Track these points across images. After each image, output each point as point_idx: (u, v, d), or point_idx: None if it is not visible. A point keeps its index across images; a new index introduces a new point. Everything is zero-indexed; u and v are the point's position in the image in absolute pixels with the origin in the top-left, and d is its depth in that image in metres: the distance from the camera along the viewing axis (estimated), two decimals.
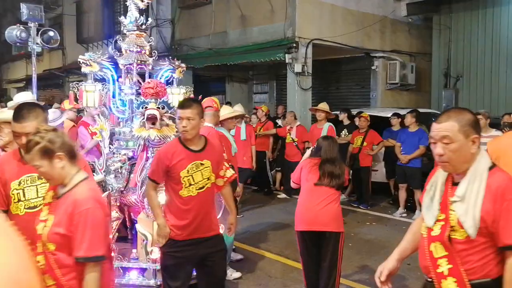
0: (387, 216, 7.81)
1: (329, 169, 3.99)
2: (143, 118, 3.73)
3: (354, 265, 5.45)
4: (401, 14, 12.60)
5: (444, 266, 2.14)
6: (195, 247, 3.20)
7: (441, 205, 2.20)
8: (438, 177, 2.28)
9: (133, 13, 4.31)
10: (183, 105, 3.20)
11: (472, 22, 12.36)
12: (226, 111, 5.48)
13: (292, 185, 4.33)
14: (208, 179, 3.23)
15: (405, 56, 13.08)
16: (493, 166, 2.13)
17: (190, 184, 3.14)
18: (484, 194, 2.05)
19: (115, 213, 3.88)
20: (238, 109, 7.56)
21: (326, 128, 8.02)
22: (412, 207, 7.74)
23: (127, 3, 4.37)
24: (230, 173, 3.53)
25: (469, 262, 2.10)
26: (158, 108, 3.73)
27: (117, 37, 4.42)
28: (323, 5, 10.99)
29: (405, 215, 7.71)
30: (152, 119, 3.70)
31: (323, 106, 8.39)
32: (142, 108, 3.74)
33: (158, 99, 3.78)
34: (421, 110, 8.82)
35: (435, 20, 13.05)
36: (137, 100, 3.87)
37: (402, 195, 7.82)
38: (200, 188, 3.18)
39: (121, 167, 3.98)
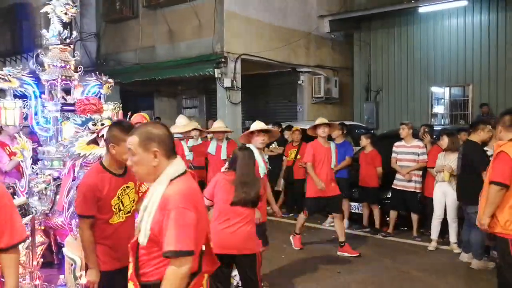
0: (317, 226, 8.00)
1: (245, 189, 3.77)
2: (100, 135, 3.56)
3: (288, 276, 5.52)
4: (324, 30, 13.15)
5: (130, 271, 2.34)
6: (123, 277, 3.08)
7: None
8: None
9: (56, 26, 4.12)
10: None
11: (389, 39, 13.17)
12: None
13: (205, 202, 3.99)
14: (134, 201, 3.16)
15: (329, 71, 13.64)
16: (177, 177, 2.27)
17: (120, 210, 3.05)
18: (158, 205, 2.21)
19: (39, 238, 3.66)
20: (220, 124, 7.42)
21: (334, 148, 6.60)
22: None
23: (49, 16, 4.17)
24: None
25: (146, 266, 2.29)
26: (103, 124, 3.59)
27: (38, 51, 4.20)
28: (250, 20, 11.20)
29: (333, 224, 7.86)
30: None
31: (323, 120, 6.50)
32: (94, 125, 3.57)
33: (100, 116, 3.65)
34: (346, 122, 9.20)
35: (355, 36, 13.75)
36: (81, 118, 3.69)
37: None
38: (128, 213, 3.11)
39: (45, 188, 3.77)
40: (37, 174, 3.94)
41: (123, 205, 3.06)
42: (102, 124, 3.56)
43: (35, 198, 3.83)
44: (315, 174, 6.28)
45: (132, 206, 3.14)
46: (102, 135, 3.50)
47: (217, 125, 7.35)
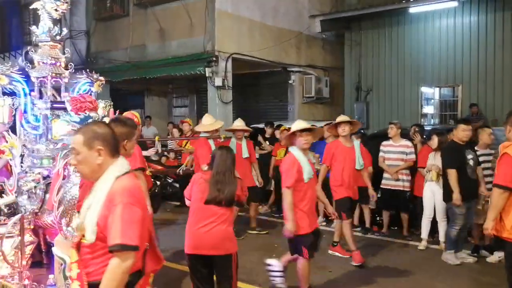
0: None
1: (219, 186, 3.69)
2: None
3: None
4: (315, 30, 13.17)
5: (74, 271, 2.34)
6: None
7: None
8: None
9: (46, 22, 4.06)
10: None
11: (380, 39, 13.21)
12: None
13: (186, 202, 3.96)
14: None
15: (320, 70, 13.66)
16: (122, 175, 2.32)
17: None
18: (103, 202, 2.25)
19: (28, 237, 3.60)
20: (240, 123, 7.43)
21: (358, 146, 6.21)
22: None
23: (39, 13, 4.12)
24: None
25: (91, 265, 2.31)
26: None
27: (28, 48, 4.14)
28: (242, 20, 11.18)
29: (324, 223, 7.93)
30: None
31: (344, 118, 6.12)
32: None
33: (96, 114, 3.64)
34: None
35: (346, 36, 13.77)
36: (79, 115, 3.66)
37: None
38: None
39: (35, 187, 3.72)
40: (26, 172, 3.89)
41: None
42: None
43: (24, 197, 3.77)
44: (322, 176, 5.98)
45: None
46: None
47: (237, 124, 7.41)
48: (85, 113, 3.58)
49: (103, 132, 2.35)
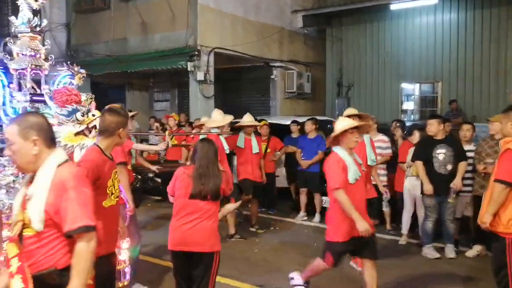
0: (289, 220, 8.04)
1: (203, 180, 3.58)
2: (91, 126, 3.53)
3: (261, 270, 5.54)
4: (297, 25, 13.20)
5: (14, 265, 2.27)
6: (109, 262, 3.05)
7: (21, 206, 2.34)
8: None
9: (25, 13, 3.96)
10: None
11: (361, 35, 13.32)
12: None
13: (170, 198, 3.85)
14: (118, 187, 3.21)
15: (302, 66, 13.71)
16: (63, 163, 2.34)
17: (112, 193, 3.07)
18: (49, 189, 2.26)
19: (6, 232, 3.54)
20: (249, 119, 7.32)
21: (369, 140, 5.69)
22: (312, 210, 8.02)
23: (18, 3, 4.03)
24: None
25: (36, 255, 2.29)
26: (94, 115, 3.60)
27: (7, 39, 4.05)
28: (224, 14, 11.14)
29: (305, 218, 7.98)
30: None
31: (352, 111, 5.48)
32: (82, 115, 3.57)
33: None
34: (318, 117, 9.27)
35: (328, 32, 13.86)
36: (67, 107, 3.62)
37: (303, 199, 8.08)
38: (116, 197, 3.13)
39: (13, 181, 3.65)
40: (4, 166, 3.82)
41: (114, 189, 3.09)
42: (93, 115, 3.51)
43: (2, 191, 3.70)
44: None
45: (118, 192, 3.18)
46: (94, 126, 3.46)
47: (247, 119, 7.31)
48: (72, 106, 3.55)
49: (38, 122, 2.34)
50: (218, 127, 6.49)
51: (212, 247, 3.60)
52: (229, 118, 6.74)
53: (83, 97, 4.20)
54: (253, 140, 7.16)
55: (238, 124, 7.40)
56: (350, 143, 4.09)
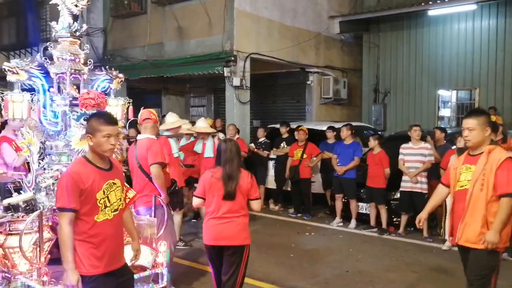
0: (325, 226, 7.95)
1: (233, 181, 3.78)
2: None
3: (297, 275, 5.47)
4: (334, 31, 13.03)
5: None
6: (113, 280, 2.97)
7: None
8: None
9: (65, 18, 4.03)
10: (111, 121, 3.00)
11: (398, 41, 13.07)
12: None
13: (196, 201, 3.98)
14: (120, 199, 3.06)
15: (338, 72, 13.54)
16: None
17: (106, 206, 2.92)
18: None
19: (47, 234, 3.57)
20: (203, 125, 7.62)
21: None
22: (347, 216, 7.89)
23: (59, 8, 4.09)
24: (132, 193, 3.41)
25: None
26: None
27: (47, 44, 4.11)
28: (260, 19, 11.11)
29: (341, 224, 7.89)
30: None
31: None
32: (84, 120, 3.52)
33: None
34: (354, 123, 9.13)
35: (365, 38, 13.65)
36: (77, 112, 3.64)
37: (339, 205, 8.01)
38: (115, 210, 2.98)
39: (53, 183, 3.68)
40: (44, 169, 3.87)
41: (109, 202, 2.94)
42: None
43: (42, 194, 3.75)
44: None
45: (120, 205, 3.04)
46: None
47: (200, 125, 7.65)
48: (89, 110, 3.58)
49: None
50: (169, 130, 6.48)
51: (243, 240, 3.84)
52: (181, 121, 6.90)
53: (121, 101, 4.24)
54: (208, 144, 7.42)
55: (198, 131, 7.64)
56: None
